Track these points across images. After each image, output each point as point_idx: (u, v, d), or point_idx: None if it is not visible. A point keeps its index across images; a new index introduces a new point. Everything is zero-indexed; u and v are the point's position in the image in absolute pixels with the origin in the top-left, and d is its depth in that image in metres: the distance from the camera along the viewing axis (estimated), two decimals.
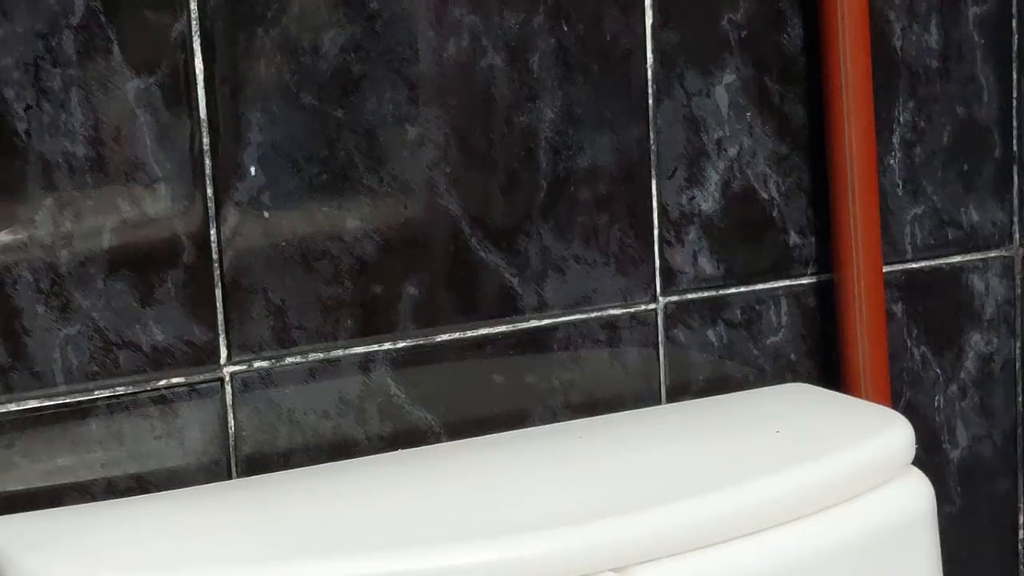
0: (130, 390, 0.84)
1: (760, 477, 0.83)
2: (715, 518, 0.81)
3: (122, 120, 0.82)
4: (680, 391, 0.98)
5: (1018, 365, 1.09)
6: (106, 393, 0.83)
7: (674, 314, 0.98)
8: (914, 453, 0.89)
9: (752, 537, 0.81)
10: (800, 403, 0.95)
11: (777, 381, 1.01)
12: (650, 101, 0.96)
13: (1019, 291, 1.09)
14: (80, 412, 0.83)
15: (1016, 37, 1.07)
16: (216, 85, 0.84)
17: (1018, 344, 1.09)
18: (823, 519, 0.84)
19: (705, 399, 0.97)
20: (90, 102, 0.82)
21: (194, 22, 0.83)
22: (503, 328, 0.93)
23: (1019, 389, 1.09)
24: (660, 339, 0.97)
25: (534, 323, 0.94)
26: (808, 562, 0.83)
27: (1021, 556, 1.10)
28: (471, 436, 0.91)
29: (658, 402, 0.98)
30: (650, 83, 0.96)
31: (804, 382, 1.01)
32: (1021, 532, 1.10)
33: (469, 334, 0.92)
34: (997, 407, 1.09)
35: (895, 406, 1.03)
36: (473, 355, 0.92)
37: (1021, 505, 1.10)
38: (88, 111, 0.82)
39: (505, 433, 0.91)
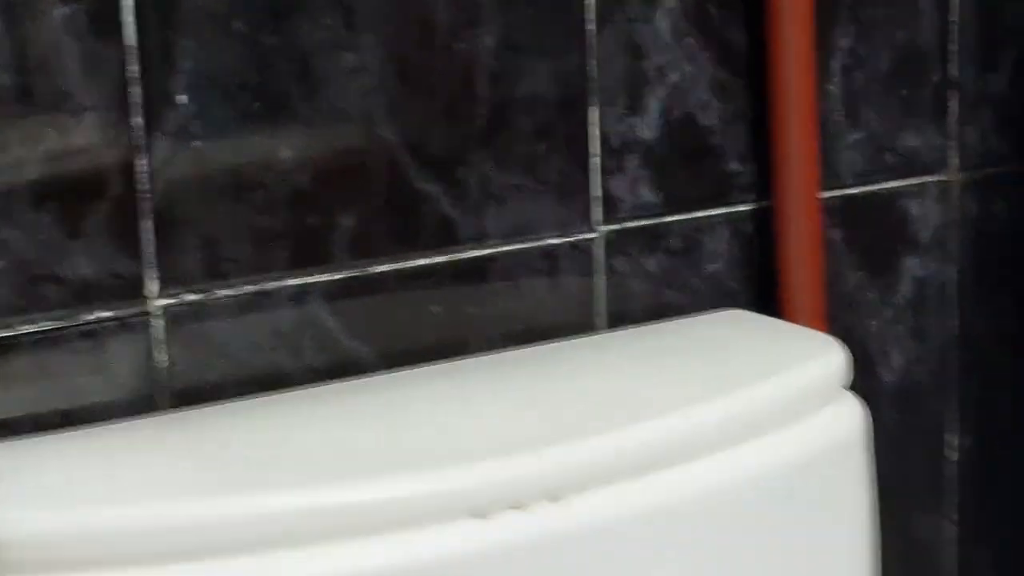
0: (57, 325, 0.79)
1: (697, 404, 0.80)
2: (653, 445, 0.78)
3: (48, 48, 0.77)
4: (619, 319, 0.94)
5: (953, 290, 1.06)
6: (32, 328, 0.78)
7: (614, 243, 0.93)
8: (849, 378, 0.86)
9: (689, 463, 0.79)
10: (738, 329, 0.93)
11: (716, 308, 0.97)
12: (590, 27, 0.91)
13: (955, 216, 1.05)
14: (5, 348, 0.78)
15: None
16: (145, 12, 0.78)
17: (954, 269, 1.06)
18: (759, 444, 0.81)
19: (644, 327, 0.93)
20: (14, 29, 0.76)
21: None
22: (441, 258, 0.88)
23: (954, 313, 1.06)
24: (600, 268, 0.93)
25: (473, 253, 0.89)
26: (744, 486, 0.80)
27: (951, 476, 1.08)
28: (409, 367, 0.87)
29: (596, 330, 0.94)
30: (590, 8, 0.90)
31: (742, 309, 0.97)
32: (954, 455, 1.07)
33: (406, 265, 0.87)
34: (932, 331, 1.06)
35: (831, 331, 0.99)
36: (410, 286, 0.88)
37: (952, 425, 1.07)
38: (12, 39, 0.76)
39: (443, 364, 0.87)
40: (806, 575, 0.82)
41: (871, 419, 0.86)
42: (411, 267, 0.87)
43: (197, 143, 0.81)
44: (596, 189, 0.92)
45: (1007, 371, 1.08)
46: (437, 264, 0.88)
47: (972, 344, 1.07)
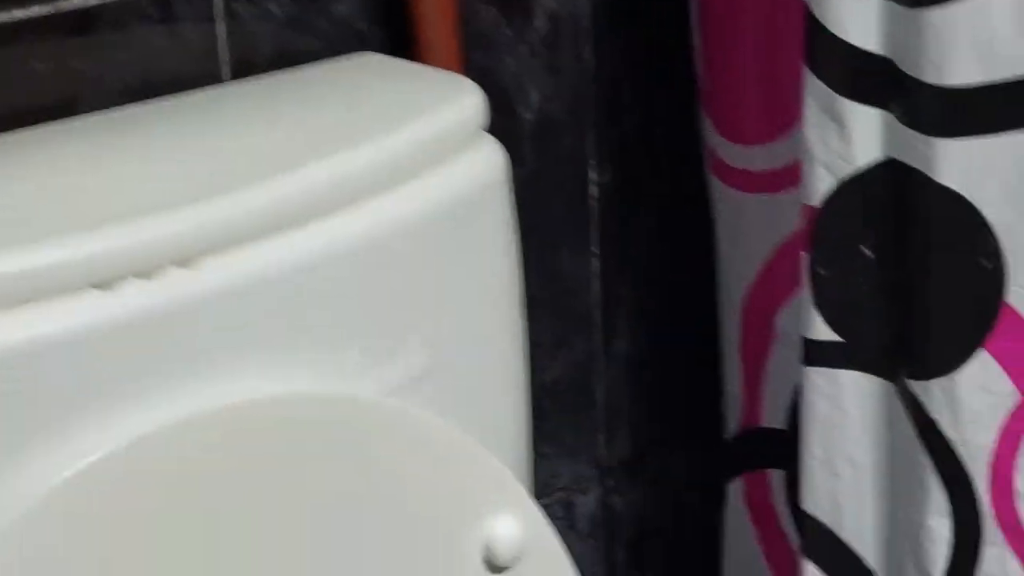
0: None
1: (332, 154, 0.76)
2: (288, 200, 0.74)
3: None
4: (245, 68, 0.88)
5: (586, 22, 1.03)
6: None
7: None
8: (486, 119, 0.83)
9: (327, 217, 0.75)
10: (370, 74, 0.88)
11: (347, 52, 0.91)
12: None
13: None
14: None
15: None
16: None
17: (587, 1, 1.02)
18: (398, 193, 0.78)
19: (270, 75, 0.87)
20: None
21: None
22: (38, 9, 0.79)
23: (588, 46, 1.04)
24: (219, 13, 0.86)
25: (75, 2, 0.81)
26: (385, 237, 0.78)
27: (592, 211, 1.07)
28: (13, 132, 0.78)
29: (221, 81, 0.87)
30: None
31: (375, 52, 0.92)
32: (591, 188, 1.07)
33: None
34: (567, 66, 1.02)
35: (466, 72, 0.95)
36: (7, 42, 0.79)
37: (591, 161, 1.06)
38: None
39: (52, 125, 0.79)
40: (456, 318, 0.81)
41: (511, 160, 0.83)
42: (4, 21, 0.79)
43: None
44: None
45: (642, 104, 1.06)
46: (34, 17, 0.79)
47: (607, 78, 1.04)
